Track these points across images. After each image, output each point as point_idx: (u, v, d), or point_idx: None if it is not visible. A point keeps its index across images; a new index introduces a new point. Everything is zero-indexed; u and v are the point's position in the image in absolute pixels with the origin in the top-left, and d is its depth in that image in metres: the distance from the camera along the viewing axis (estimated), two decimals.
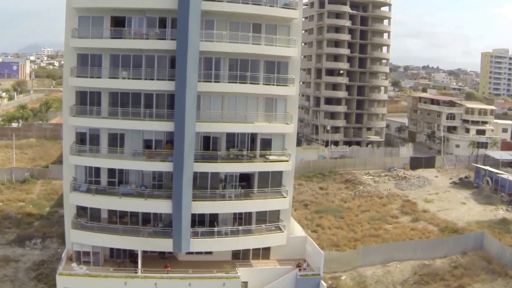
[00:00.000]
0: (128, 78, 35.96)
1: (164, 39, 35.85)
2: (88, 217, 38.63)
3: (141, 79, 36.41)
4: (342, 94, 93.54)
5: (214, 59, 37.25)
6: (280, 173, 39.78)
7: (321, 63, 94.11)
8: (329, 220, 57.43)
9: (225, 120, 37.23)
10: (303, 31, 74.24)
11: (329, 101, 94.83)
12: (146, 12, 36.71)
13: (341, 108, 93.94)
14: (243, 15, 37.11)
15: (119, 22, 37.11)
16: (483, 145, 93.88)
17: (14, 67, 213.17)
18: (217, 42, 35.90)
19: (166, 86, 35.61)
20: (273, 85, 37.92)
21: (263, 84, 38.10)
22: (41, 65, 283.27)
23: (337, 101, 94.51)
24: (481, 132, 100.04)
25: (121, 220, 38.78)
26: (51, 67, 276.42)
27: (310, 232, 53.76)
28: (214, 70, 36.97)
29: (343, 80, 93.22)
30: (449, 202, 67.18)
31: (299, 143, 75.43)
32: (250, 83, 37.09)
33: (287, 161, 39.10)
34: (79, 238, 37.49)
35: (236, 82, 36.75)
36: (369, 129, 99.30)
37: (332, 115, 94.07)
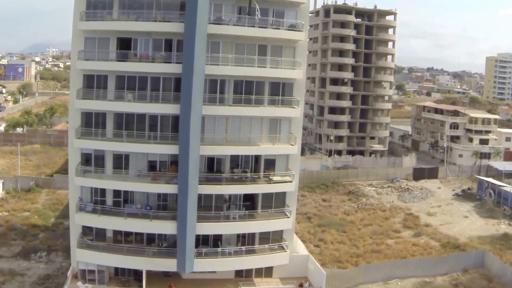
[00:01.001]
0: (134, 100, 36.31)
1: (170, 62, 36.23)
2: (94, 235, 39.10)
3: (146, 100, 36.90)
4: (346, 103, 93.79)
5: (219, 81, 37.69)
6: (283, 193, 40.17)
7: (325, 73, 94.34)
8: (331, 234, 57.73)
9: (229, 143, 37.63)
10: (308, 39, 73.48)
11: (333, 110, 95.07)
12: (152, 34, 37.15)
13: (345, 118, 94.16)
14: (249, 38, 37.50)
15: (125, 43, 37.57)
16: (486, 155, 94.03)
17: (20, 69, 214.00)
18: (222, 65, 36.34)
19: (171, 109, 36.02)
20: (278, 106, 38.31)
21: (268, 105, 38.53)
22: (46, 66, 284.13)
23: (341, 111, 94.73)
24: (484, 142, 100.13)
25: (126, 239, 39.27)
26: (56, 68, 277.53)
27: (313, 247, 54.16)
28: (219, 93, 37.40)
29: (347, 89, 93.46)
30: (451, 215, 67.39)
31: (302, 153, 75.85)
32: (255, 106, 37.46)
33: (290, 181, 39.48)
34: (84, 257, 37.98)
35: (241, 105, 37.09)
36: (372, 138, 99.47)
37: (336, 125, 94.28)
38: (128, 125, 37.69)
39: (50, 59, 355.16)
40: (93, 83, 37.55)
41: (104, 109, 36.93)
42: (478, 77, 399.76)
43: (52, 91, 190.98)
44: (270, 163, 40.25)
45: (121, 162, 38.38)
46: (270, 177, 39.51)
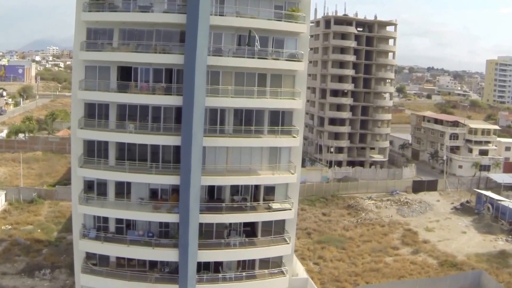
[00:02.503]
0: (135, 131, 36.71)
1: (171, 93, 36.55)
2: (97, 259, 39.73)
3: (147, 129, 37.43)
4: (346, 115, 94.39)
5: (219, 111, 38.18)
6: (283, 220, 40.80)
7: (326, 84, 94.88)
8: (331, 252, 58.48)
9: (230, 173, 38.12)
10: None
11: (333, 121, 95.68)
12: (152, 64, 37.61)
13: (345, 129, 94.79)
14: (249, 68, 38.02)
15: (125, 71, 37.92)
16: (486, 168, 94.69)
17: (20, 70, 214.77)
18: (222, 97, 36.78)
19: (172, 140, 36.49)
20: (278, 136, 38.76)
21: (268, 134, 39.03)
22: (47, 66, 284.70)
23: (341, 122, 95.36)
24: (484, 153, 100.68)
25: (129, 263, 39.82)
26: (56, 68, 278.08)
27: (312, 265, 55.02)
28: (219, 124, 37.90)
29: (348, 101, 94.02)
30: (449, 231, 68.13)
31: (302, 163, 76.54)
32: (255, 137, 37.91)
33: (290, 209, 40.07)
34: (88, 282, 38.55)
35: (241, 136, 37.56)
36: (372, 148, 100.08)
37: (336, 136, 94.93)
38: (130, 154, 38.13)
39: (51, 58, 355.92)
40: (95, 112, 37.93)
41: (106, 139, 37.42)
42: (478, 77, 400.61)
43: (53, 93, 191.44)
44: (270, 190, 40.80)
45: (123, 188, 38.82)
46: (270, 204, 40.06)
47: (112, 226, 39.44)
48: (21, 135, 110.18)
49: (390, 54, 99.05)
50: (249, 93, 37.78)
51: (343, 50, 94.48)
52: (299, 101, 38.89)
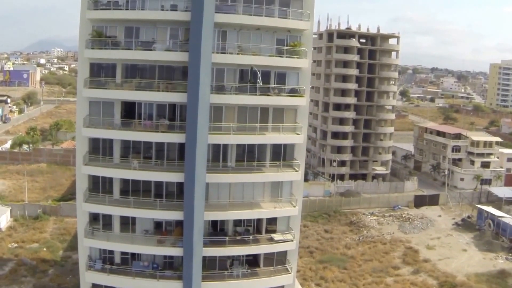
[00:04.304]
0: (139, 168, 37.33)
1: (174, 130, 37.22)
2: None
3: (151, 164, 38.09)
4: (348, 128, 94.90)
5: (222, 146, 38.91)
6: (285, 252, 41.53)
7: (328, 97, 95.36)
8: (332, 272, 59.11)
9: (233, 207, 38.84)
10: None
11: (336, 135, 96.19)
12: (156, 100, 38.31)
13: (348, 143, 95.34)
14: (251, 103, 38.72)
15: (129, 107, 38.57)
16: (487, 181, 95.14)
17: (25, 75, 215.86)
18: (225, 134, 37.42)
19: (175, 177, 37.17)
20: (280, 170, 39.39)
21: (270, 166, 39.72)
22: (51, 69, 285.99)
23: (344, 135, 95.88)
24: (486, 165, 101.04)
25: None
26: (60, 72, 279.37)
27: (314, 286, 55.70)
28: (222, 160, 38.66)
29: (350, 114, 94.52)
30: (450, 248, 68.67)
31: (305, 177, 77.13)
32: (257, 172, 38.57)
33: (292, 240, 40.77)
34: None
35: (243, 172, 38.24)
36: (375, 160, 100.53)
37: (339, 149, 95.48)
38: (134, 185, 38.95)
39: (55, 60, 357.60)
40: (99, 146, 38.71)
41: (110, 175, 38.21)
42: (482, 78, 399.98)
43: (57, 98, 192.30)
44: (272, 220, 41.47)
45: (128, 220, 39.67)
46: (272, 236, 40.77)
47: (117, 257, 40.31)
48: (25, 146, 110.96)
49: (393, 67, 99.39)
50: (251, 129, 38.44)
51: (345, 64, 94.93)
52: (301, 136, 39.48)
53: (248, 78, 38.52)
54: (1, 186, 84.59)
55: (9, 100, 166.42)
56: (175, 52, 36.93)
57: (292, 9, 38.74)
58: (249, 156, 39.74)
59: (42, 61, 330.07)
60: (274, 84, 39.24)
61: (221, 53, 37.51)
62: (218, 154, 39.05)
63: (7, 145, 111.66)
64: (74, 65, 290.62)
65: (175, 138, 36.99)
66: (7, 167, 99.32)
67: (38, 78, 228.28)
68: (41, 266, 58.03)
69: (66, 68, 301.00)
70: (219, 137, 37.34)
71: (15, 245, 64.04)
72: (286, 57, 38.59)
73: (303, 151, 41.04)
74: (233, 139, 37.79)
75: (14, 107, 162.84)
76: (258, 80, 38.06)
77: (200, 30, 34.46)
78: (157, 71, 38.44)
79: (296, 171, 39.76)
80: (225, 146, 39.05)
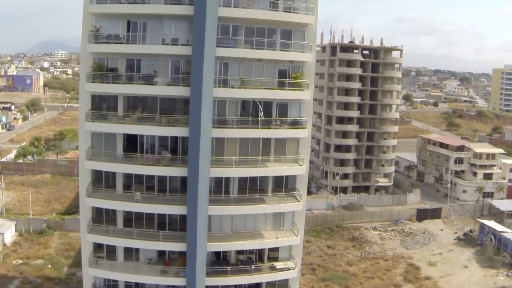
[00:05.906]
0: (142, 197, 37.87)
1: (176, 164, 37.55)
2: None
3: (154, 196, 38.59)
4: (352, 141, 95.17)
5: (224, 179, 39.36)
6: (287, 279, 41.96)
7: (331, 110, 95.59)
8: None
9: (235, 238, 39.24)
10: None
11: (339, 147, 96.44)
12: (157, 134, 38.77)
13: (351, 155, 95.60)
14: (252, 138, 39.16)
15: (131, 138, 38.99)
16: (489, 194, 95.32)
17: (28, 81, 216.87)
18: (227, 168, 37.76)
19: (178, 210, 37.57)
20: (281, 201, 39.78)
21: (272, 197, 40.13)
22: (55, 73, 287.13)
23: (347, 148, 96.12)
24: (488, 176, 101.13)
25: None
26: (64, 76, 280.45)
27: None
28: (224, 193, 39.07)
29: (353, 128, 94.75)
30: (451, 264, 68.91)
31: (308, 190, 77.68)
32: (259, 204, 38.93)
33: (293, 268, 41.17)
34: None
35: (246, 204, 38.65)
36: (378, 172, 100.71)
37: (342, 162, 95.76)
38: (137, 217, 39.45)
39: (59, 63, 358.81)
40: (102, 177, 39.14)
41: (113, 207, 38.68)
42: (485, 80, 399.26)
43: (61, 104, 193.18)
44: (275, 248, 41.87)
45: (131, 249, 40.11)
46: (274, 264, 41.19)
47: (121, 285, 40.79)
48: (29, 156, 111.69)
49: (395, 80, 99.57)
50: (253, 162, 38.80)
51: (348, 77, 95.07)
52: (303, 167, 39.83)
53: (250, 110, 38.92)
54: (6, 198, 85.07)
55: (13, 107, 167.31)
56: (176, 86, 37.12)
57: (294, 41, 39.07)
58: (252, 185, 40.12)
59: (46, 64, 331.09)
60: (276, 115, 39.51)
61: (223, 86, 37.88)
62: (220, 185, 39.47)
63: (12, 155, 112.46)
64: (77, 68, 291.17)
65: (177, 172, 37.38)
66: (11, 178, 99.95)
67: (41, 83, 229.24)
68: (46, 284, 58.64)
69: (70, 71, 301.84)
70: (221, 170, 37.70)
71: (20, 261, 64.63)
72: (288, 89, 38.92)
73: (305, 181, 41.38)
74: (235, 172, 38.15)
75: (18, 114, 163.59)
76: (260, 113, 38.42)
77: (202, 65, 34.79)
78: (159, 102, 38.75)
79: (298, 201, 40.10)
80: (227, 179, 39.45)
